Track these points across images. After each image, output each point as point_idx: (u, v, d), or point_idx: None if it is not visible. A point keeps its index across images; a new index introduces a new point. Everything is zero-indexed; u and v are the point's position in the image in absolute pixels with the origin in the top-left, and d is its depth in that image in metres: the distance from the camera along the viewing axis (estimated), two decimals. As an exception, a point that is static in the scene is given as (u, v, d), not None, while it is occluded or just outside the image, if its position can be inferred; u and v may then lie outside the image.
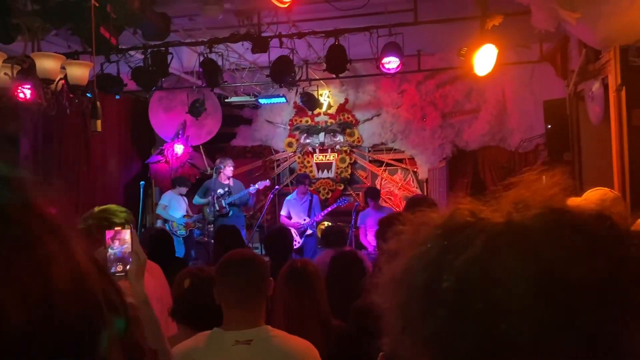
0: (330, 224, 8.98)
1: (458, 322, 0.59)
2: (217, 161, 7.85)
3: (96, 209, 2.38)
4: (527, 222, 0.60)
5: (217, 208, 7.49)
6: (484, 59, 4.90)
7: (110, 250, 1.75)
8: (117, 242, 1.76)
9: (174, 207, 7.96)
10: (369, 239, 7.15)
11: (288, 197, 8.02)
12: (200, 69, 6.36)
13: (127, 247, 1.76)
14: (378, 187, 8.94)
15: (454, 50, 6.37)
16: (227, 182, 7.70)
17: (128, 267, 1.75)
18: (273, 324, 2.43)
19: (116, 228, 1.78)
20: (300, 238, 7.61)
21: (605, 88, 4.54)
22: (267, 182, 7.88)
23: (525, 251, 0.59)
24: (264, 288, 1.98)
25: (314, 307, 2.45)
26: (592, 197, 2.50)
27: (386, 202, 8.68)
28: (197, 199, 7.84)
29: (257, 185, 7.59)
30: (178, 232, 7.75)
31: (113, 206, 2.42)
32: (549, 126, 6.00)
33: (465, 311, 0.59)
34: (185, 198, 8.12)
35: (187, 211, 8.07)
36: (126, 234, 1.77)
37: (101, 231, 2.19)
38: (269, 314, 3.00)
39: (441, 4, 5.46)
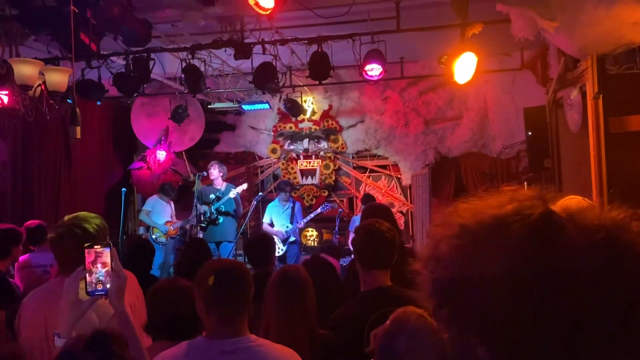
0: (314, 230, 8.98)
1: None
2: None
3: (66, 217, 2.32)
4: None
5: (208, 214, 7.42)
6: (464, 67, 4.94)
7: (92, 270, 1.74)
8: (99, 265, 1.76)
9: (158, 213, 7.88)
10: None
11: (270, 204, 7.99)
12: (183, 75, 6.33)
13: (108, 268, 1.75)
14: (362, 193, 8.97)
15: (436, 57, 6.43)
16: (219, 186, 7.63)
17: (108, 285, 1.74)
18: (263, 330, 2.41)
19: (96, 248, 1.76)
20: (284, 245, 7.58)
21: (583, 96, 4.60)
22: (245, 186, 7.77)
23: None
24: (248, 296, 1.97)
25: (304, 314, 2.44)
26: (567, 204, 2.52)
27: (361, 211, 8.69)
28: (199, 207, 7.72)
29: (237, 190, 7.49)
30: (158, 239, 7.66)
31: (83, 213, 2.35)
32: (529, 133, 6.06)
33: None
34: (171, 203, 8.04)
35: (171, 217, 7.99)
36: (107, 256, 1.76)
37: (74, 240, 2.17)
38: (255, 320, 2.98)
39: (423, 12, 5.50)
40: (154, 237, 7.63)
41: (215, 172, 7.57)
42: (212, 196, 7.51)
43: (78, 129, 3.84)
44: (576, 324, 0.62)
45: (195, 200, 7.45)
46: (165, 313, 2.34)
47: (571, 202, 2.71)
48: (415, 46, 6.52)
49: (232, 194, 7.43)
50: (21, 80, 3.88)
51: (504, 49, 6.86)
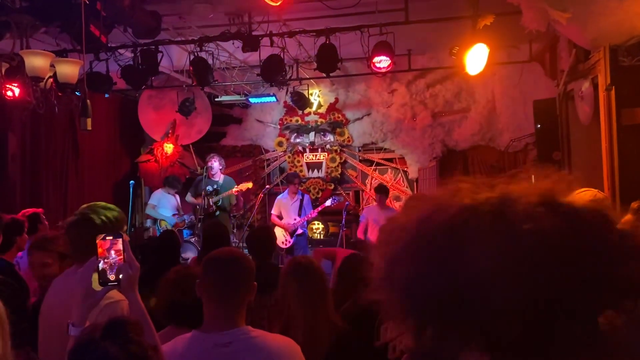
0: (320, 222, 8.99)
1: None
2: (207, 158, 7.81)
3: (83, 205, 2.34)
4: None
5: (206, 206, 7.42)
6: (476, 59, 4.92)
7: (105, 260, 1.75)
8: (112, 252, 1.76)
9: (164, 206, 7.89)
10: (369, 235, 7.08)
11: (279, 197, 7.99)
12: (191, 68, 6.32)
13: (121, 258, 1.75)
14: (368, 186, 8.96)
15: (445, 49, 6.40)
16: (217, 179, 7.63)
17: (121, 276, 1.74)
18: (283, 324, 2.40)
19: (108, 238, 1.77)
20: (291, 237, 7.59)
21: (595, 88, 4.58)
22: (250, 185, 7.77)
23: None
24: (247, 288, 1.93)
25: (324, 304, 2.43)
26: (582, 197, 2.52)
27: (375, 201, 8.67)
28: (188, 197, 7.79)
29: (239, 187, 7.47)
30: None
31: (98, 203, 2.36)
32: (539, 126, 6.04)
33: None
34: (177, 196, 8.06)
35: (177, 210, 8.01)
36: (119, 246, 1.76)
37: (78, 230, 2.18)
38: (256, 311, 2.97)
39: (432, 4, 5.47)
40: (161, 229, 7.65)
41: (216, 165, 7.58)
42: (210, 188, 7.50)
43: (89, 120, 3.84)
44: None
45: (203, 192, 7.43)
46: (174, 301, 2.35)
47: (587, 194, 2.72)
48: (423, 38, 6.49)
49: (234, 190, 7.40)
50: (33, 72, 3.88)
51: (512, 41, 6.83)
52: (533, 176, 0.82)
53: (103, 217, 2.24)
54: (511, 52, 7.19)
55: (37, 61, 3.87)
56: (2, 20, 4.15)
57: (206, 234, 4.44)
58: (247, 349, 1.83)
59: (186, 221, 7.97)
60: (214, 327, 1.86)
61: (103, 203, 2.36)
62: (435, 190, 0.78)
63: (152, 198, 8.04)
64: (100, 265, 1.75)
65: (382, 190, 7.22)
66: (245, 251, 7.52)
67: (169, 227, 7.74)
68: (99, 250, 1.75)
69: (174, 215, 7.88)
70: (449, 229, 0.69)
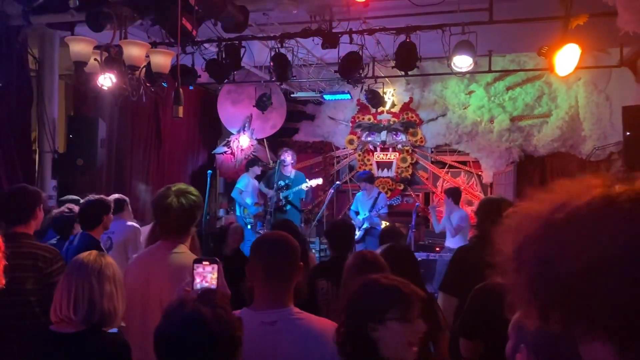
0: (388, 223, 8.94)
1: None
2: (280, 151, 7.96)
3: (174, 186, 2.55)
4: None
5: (276, 200, 7.57)
6: (566, 59, 4.74)
7: (199, 282, 1.87)
8: (208, 276, 1.88)
9: (248, 192, 7.99)
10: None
11: (358, 193, 8.06)
12: (271, 63, 6.47)
13: (213, 281, 1.87)
14: (440, 189, 8.83)
15: (527, 51, 6.22)
16: (288, 173, 7.77)
17: None
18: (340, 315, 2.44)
19: (204, 263, 1.88)
20: (358, 231, 7.61)
21: (696, 94, 4.31)
22: (320, 181, 7.86)
23: None
24: (292, 269, 1.99)
25: None
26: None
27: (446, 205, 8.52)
28: (261, 186, 7.95)
29: (309, 183, 7.58)
30: (246, 220, 7.81)
31: (188, 187, 2.55)
32: (628, 133, 5.74)
33: None
34: (256, 182, 8.19)
35: (257, 198, 8.11)
36: (215, 269, 1.88)
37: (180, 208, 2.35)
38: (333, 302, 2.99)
39: (518, 4, 5.33)
40: (244, 218, 7.78)
41: (289, 159, 7.73)
42: (282, 183, 7.63)
43: (181, 108, 4.03)
44: None
45: (275, 185, 7.58)
46: None
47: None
48: (506, 39, 6.33)
49: (305, 186, 7.53)
50: (130, 60, 4.12)
51: (601, 45, 6.54)
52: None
53: (174, 202, 2.47)
54: (598, 56, 6.89)
55: (134, 50, 4.11)
56: (105, 12, 4.44)
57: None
58: (290, 328, 1.90)
59: (261, 213, 8.02)
60: (262, 306, 1.94)
61: (190, 187, 2.53)
62: (563, 184, 0.77)
63: (240, 182, 8.06)
64: (194, 288, 1.85)
65: (453, 194, 7.10)
66: (314, 246, 7.65)
67: (250, 216, 7.85)
68: (195, 273, 1.87)
69: (256, 204, 8.01)
70: (583, 215, 0.69)
